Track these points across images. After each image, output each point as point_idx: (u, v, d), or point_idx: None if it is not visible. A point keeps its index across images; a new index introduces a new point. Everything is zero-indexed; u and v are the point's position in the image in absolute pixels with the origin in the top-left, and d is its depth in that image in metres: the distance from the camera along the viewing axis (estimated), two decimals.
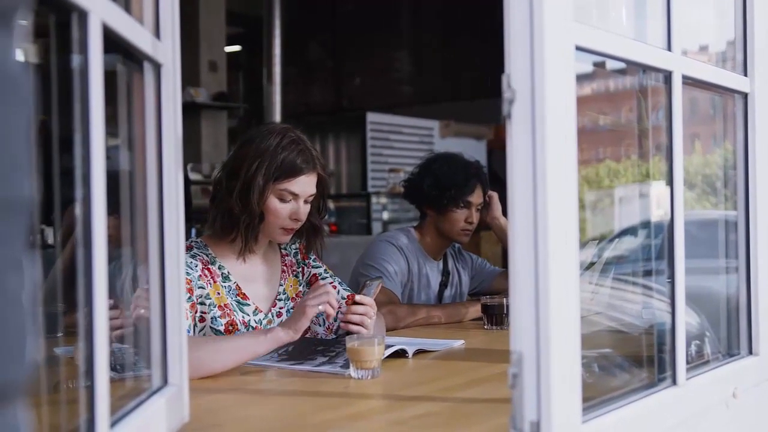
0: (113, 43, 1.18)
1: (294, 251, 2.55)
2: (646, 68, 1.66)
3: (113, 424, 1.15)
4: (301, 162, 2.30)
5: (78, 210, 1.07)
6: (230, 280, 2.34)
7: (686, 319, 1.66)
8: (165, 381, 1.45)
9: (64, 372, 1.37)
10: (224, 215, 2.32)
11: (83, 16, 1.05)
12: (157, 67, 1.42)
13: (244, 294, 2.36)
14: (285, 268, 2.51)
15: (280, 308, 2.44)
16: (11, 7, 0.61)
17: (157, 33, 1.43)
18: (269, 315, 2.40)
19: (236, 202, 2.28)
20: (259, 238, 2.38)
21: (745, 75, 1.93)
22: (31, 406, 0.67)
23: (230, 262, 2.37)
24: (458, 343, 2.48)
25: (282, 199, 2.31)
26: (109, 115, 1.12)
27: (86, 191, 1.06)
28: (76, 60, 1.07)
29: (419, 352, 2.30)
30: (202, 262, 2.29)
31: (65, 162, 1.09)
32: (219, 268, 2.34)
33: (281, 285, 2.47)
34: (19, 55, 0.64)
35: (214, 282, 2.30)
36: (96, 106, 1.07)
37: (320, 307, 2.08)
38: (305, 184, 2.33)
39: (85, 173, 1.06)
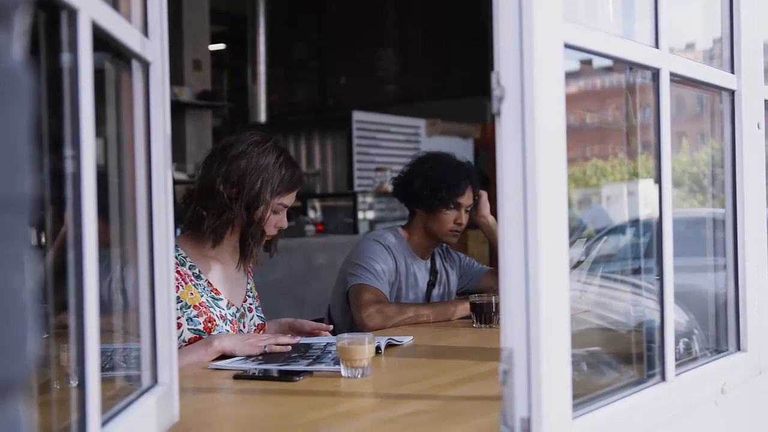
0: (101, 41, 1.17)
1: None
2: (634, 65, 1.66)
3: (104, 423, 1.15)
4: (298, 178, 2.47)
5: (67, 210, 1.07)
6: (202, 279, 2.42)
7: (674, 317, 1.67)
8: (155, 380, 1.45)
9: (53, 372, 1.36)
10: (225, 225, 2.40)
11: (73, 14, 1.04)
12: (145, 65, 1.42)
13: (216, 289, 2.45)
14: (249, 269, 2.62)
15: (250, 304, 2.57)
16: (11, 5, 0.61)
17: (145, 31, 1.42)
18: (241, 309, 2.52)
19: (242, 216, 2.38)
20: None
21: (732, 72, 1.94)
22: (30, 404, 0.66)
23: (201, 262, 2.45)
24: (407, 339, 2.50)
25: (275, 212, 2.44)
26: (97, 114, 1.11)
27: (76, 191, 1.05)
28: (65, 58, 1.06)
29: (389, 346, 2.36)
30: None
31: (52, 162, 1.08)
32: (189, 268, 2.41)
33: (248, 284, 2.60)
34: (19, 54, 0.63)
35: (186, 283, 2.38)
36: (86, 104, 1.06)
37: (266, 348, 2.24)
38: (294, 197, 2.50)
39: (75, 173, 1.05)
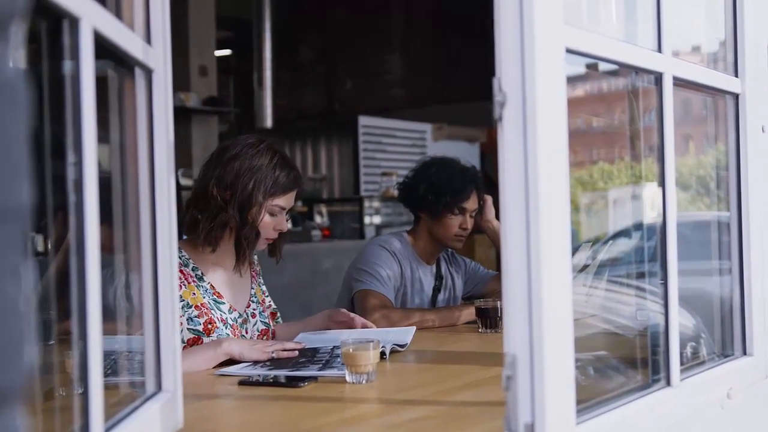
0: (104, 48, 1.17)
1: (256, 260, 2.70)
2: (636, 70, 1.66)
3: (107, 430, 1.15)
4: (294, 179, 2.46)
5: (70, 217, 1.07)
6: (205, 281, 2.43)
7: (681, 321, 1.66)
8: (159, 387, 1.45)
9: (57, 379, 1.37)
10: (219, 227, 2.39)
11: (74, 22, 1.05)
12: (148, 72, 1.42)
13: (219, 293, 2.45)
14: (254, 274, 2.63)
15: (253, 310, 2.57)
16: (7, 14, 0.61)
17: (148, 39, 1.42)
18: (244, 314, 2.51)
19: (235, 217, 2.38)
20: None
21: (736, 75, 1.93)
22: (28, 413, 0.67)
23: (204, 266, 2.45)
24: (411, 331, 2.55)
25: (271, 214, 2.44)
26: (100, 121, 1.11)
27: (79, 198, 1.05)
28: (67, 66, 1.07)
29: (394, 352, 2.36)
30: None
31: (56, 168, 1.08)
32: (193, 270, 2.42)
33: (252, 289, 2.60)
34: (16, 62, 0.64)
35: (189, 283, 2.38)
36: (88, 112, 1.07)
37: (273, 354, 2.23)
38: (292, 199, 2.49)
39: (77, 180, 1.05)
